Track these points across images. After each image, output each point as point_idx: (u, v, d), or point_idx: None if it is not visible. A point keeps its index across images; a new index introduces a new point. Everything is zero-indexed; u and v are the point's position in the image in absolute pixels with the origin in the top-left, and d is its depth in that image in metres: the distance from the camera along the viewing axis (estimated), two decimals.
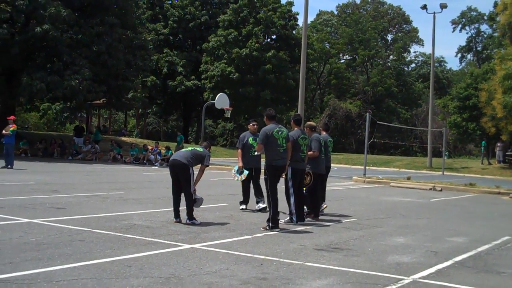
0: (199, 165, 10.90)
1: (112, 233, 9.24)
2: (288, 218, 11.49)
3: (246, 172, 12.74)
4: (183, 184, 10.59)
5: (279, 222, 10.84)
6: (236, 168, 12.82)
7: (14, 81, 34.64)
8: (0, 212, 10.69)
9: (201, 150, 10.96)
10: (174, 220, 10.65)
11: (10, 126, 23.66)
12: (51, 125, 64.60)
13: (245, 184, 13.32)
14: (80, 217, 10.73)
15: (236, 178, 12.73)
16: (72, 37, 35.12)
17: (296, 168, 11.27)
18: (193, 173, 10.65)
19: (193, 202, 10.59)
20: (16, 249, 7.64)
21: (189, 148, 11.05)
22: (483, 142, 46.90)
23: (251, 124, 13.69)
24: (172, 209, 10.80)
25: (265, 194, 11.32)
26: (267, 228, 10.42)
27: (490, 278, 7.52)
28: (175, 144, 36.24)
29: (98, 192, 15.49)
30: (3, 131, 23.84)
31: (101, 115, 63.99)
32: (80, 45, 35.19)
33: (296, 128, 11.49)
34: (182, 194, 10.63)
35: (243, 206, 13.26)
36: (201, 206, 11.33)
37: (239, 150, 13.17)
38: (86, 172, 23.32)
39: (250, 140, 13.27)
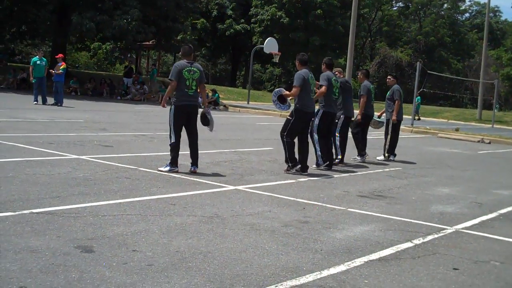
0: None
1: (158, 172, 9.36)
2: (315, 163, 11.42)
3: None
4: (194, 128, 10.04)
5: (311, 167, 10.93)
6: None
7: (64, 19, 34.88)
8: (49, 148, 10.93)
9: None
10: (177, 169, 9.68)
11: (60, 64, 23.82)
12: (101, 65, 65.33)
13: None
14: (127, 155, 10.91)
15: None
16: None
17: (327, 111, 11.38)
18: None
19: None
20: (64, 183, 7.81)
21: (193, 87, 9.70)
22: None
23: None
24: (174, 156, 9.71)
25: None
26: (288, 170, 10.52)
27: None
28: (216, 88, 36.06)
29: (146, 132, 15.67)
30: (53, 70, 23.98)
31: (150, 56, 64.19)
32: None
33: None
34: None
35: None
36: (247, 149, 11.31)
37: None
38: (134, 112, 23.56)
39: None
